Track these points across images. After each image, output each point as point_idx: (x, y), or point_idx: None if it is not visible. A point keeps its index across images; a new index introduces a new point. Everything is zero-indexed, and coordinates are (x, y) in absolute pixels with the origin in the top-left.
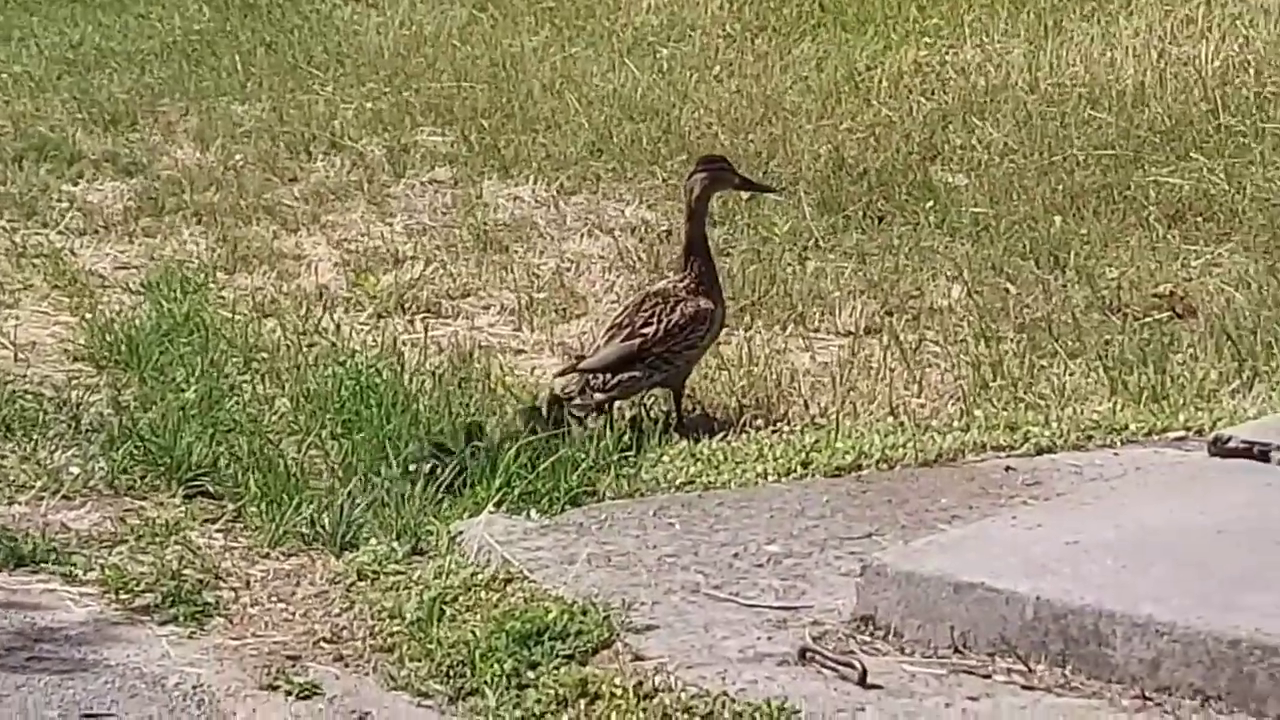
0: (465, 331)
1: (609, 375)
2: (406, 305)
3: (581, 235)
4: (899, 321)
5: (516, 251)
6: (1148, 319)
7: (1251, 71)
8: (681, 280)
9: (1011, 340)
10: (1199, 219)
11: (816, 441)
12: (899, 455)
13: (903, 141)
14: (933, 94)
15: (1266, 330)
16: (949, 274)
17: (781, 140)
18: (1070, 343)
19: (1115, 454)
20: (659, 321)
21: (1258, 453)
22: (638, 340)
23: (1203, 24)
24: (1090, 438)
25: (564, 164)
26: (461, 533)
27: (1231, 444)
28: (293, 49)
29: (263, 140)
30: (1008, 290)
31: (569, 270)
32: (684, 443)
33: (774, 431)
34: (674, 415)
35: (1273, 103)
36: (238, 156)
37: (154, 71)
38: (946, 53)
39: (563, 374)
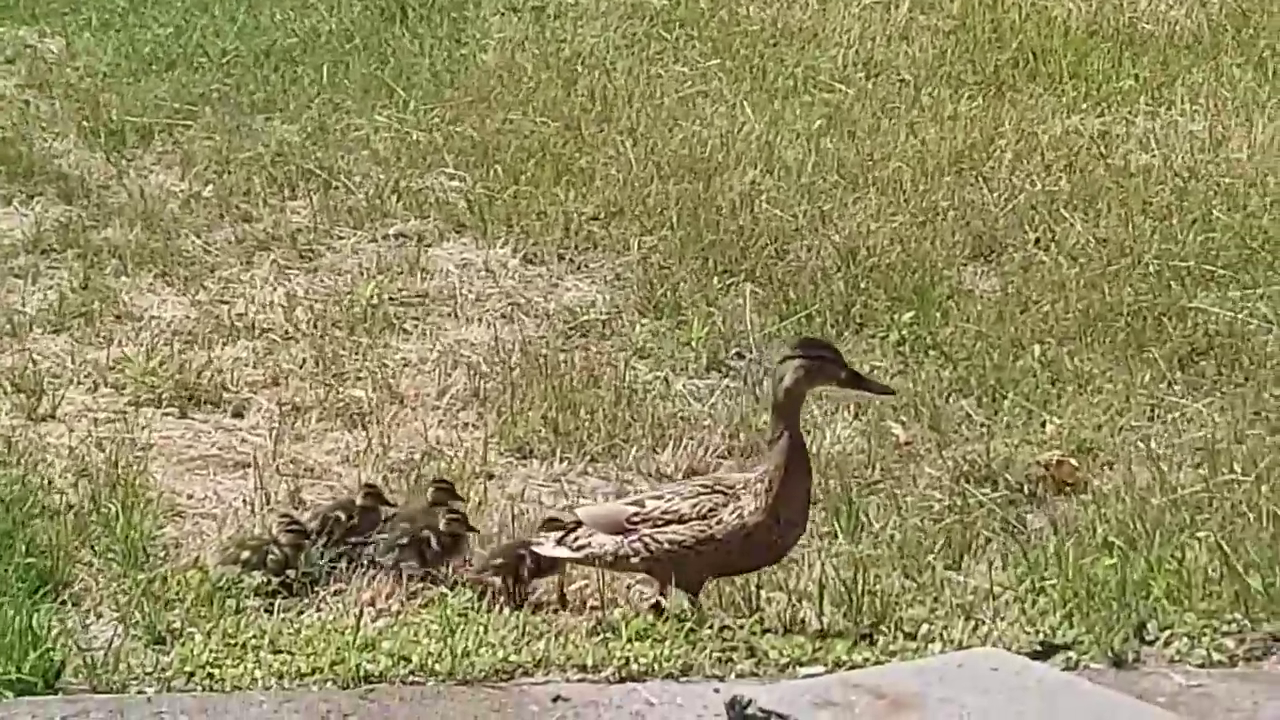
0: (214, 433)
1: (588, 535)
2: (176, 392)
3: (487, 319)
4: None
5: (408, 332)
6: (1016, 494)
7: None
8: (752, 478)
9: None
10: (1215, 361)
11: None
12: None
13: (961, 232)
14: (1052, 171)
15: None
16: (855, 411)
17: (821, 219)
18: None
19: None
20: (668, 499)
21: None
22: (631, 510)
23: None
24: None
25: (557, 225)
26: None
27: (750, 710)
28: (402, 64)
29: (255, 169)
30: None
31: (421, 364)
32: None
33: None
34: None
35: None
36: (209, 188)
37: (228, 78)
38: (1114, 123)
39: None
